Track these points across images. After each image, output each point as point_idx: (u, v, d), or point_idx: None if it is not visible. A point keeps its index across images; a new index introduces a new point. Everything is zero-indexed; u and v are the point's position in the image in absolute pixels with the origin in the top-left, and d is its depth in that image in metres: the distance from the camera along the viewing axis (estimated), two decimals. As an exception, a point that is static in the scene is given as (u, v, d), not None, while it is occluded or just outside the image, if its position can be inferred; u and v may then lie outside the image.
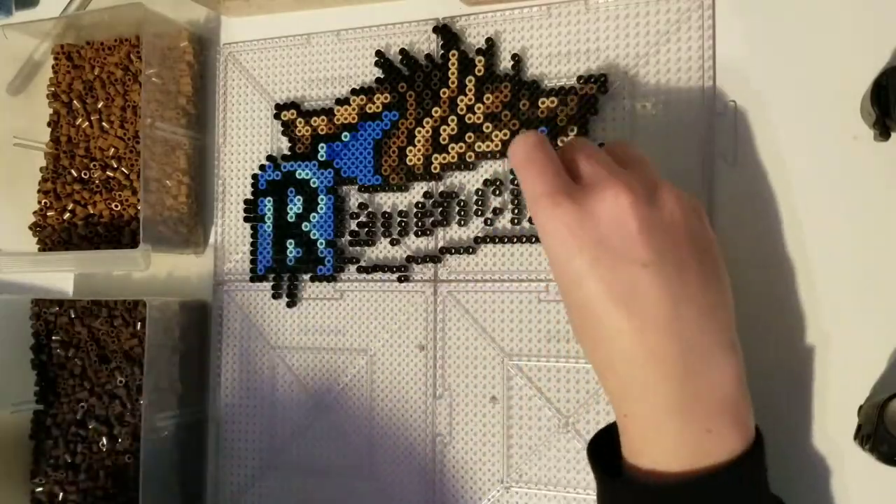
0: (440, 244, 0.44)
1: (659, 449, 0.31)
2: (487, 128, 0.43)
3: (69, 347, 0.52)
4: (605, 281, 0.30)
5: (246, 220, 0.49)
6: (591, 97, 0.41)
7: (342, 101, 0.47)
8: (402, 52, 0.45)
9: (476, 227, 0.44)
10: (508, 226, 0.43)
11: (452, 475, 0.43)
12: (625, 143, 0.35)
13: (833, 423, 0.37)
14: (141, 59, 0.48)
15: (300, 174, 0.47)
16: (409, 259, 0.45)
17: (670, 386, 0.30)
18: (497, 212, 0.43)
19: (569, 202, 0.31)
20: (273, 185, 0.48)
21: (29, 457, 0.53)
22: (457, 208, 0.44)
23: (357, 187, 0.46)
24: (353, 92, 0.46)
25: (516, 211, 0.43)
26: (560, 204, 0.31)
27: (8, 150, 0.53)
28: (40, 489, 0.52)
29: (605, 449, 0.34)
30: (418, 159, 0.45)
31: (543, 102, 0.42)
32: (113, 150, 0.51)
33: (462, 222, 0.44)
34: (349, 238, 0.46)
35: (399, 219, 0.45)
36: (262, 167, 0.49)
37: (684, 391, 0.30)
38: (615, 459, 0.33)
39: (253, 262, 0.48)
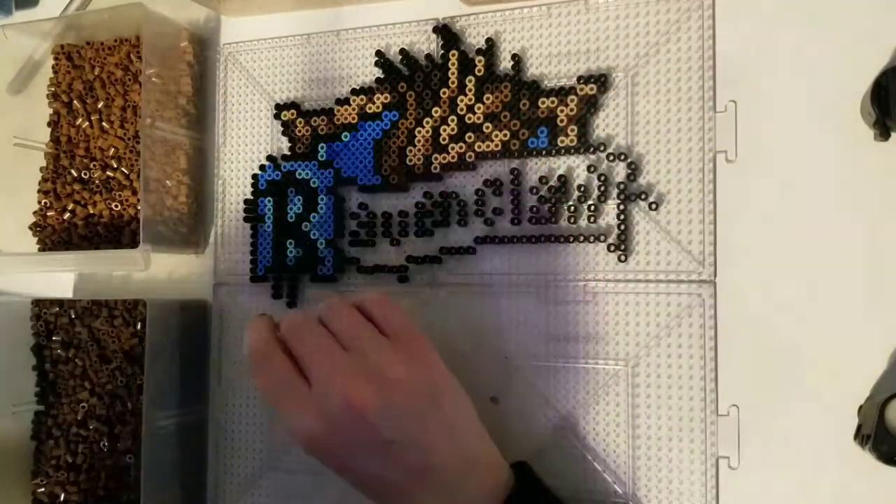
0: (440, 245, 0.44)
1: None
2: (487, 128, 0.43)
3: (69, 348, 0.52)
4: (364, 476, 0.35)
5: (246, 220, 0.49)
6: (591, 97, 0.41)
7: (342, 101, 0.47)
8: (402, 52, 0.45)
9: (476, 227, 0.44)
10: (508, 226, 0.43)
11: (452, 475, 0.43)
12: (335, 306, 0.37)
13: (833, 423, 0.37)
14: (141, 59, 0.48)
15: (300, 174, 0.47)
16: (409, 259, 0.45)
17: None
18: (497, 212, 0.43)
19: (306, 413, 0.34)
20: (273, 185, 0.48)
21: (30, 457, 0.53)
22: (457, 208, 0.44)
23: (357, 187, 0.46)
24: (353, 92, 0.46)
25: (516, 211, 0.43)
26: (298, 418, 0.35)
27: (8, 150, 0.53)
28: (41, 490, 0.52)
29: None
30: (418, 159, 0.45)
31: (543, 102, 0.42)
32: (113, 150, 0.51)
33: (462, 223, 0.44)
34: (349, 238, 0.46)
35: (399, 219, 0.45)
36: (262, 167, 0.49)
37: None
38: None
39: (253, 262, 0.48)
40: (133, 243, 0.49)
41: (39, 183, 0.54)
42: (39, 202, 0.53)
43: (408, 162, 0.45)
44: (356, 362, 0.35)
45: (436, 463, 0.34)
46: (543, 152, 0.42)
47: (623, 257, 0.40)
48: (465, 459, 0.35)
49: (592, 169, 0.41)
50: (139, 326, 0.50)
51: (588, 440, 0.40)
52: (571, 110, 0.42)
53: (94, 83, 0.53)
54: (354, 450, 0.34)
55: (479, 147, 0.43)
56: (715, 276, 0.39)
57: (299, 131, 0.48)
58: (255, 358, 0.36)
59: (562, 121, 0.42)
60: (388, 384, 0.34)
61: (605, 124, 0.41)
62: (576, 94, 0.41)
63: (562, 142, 0.42)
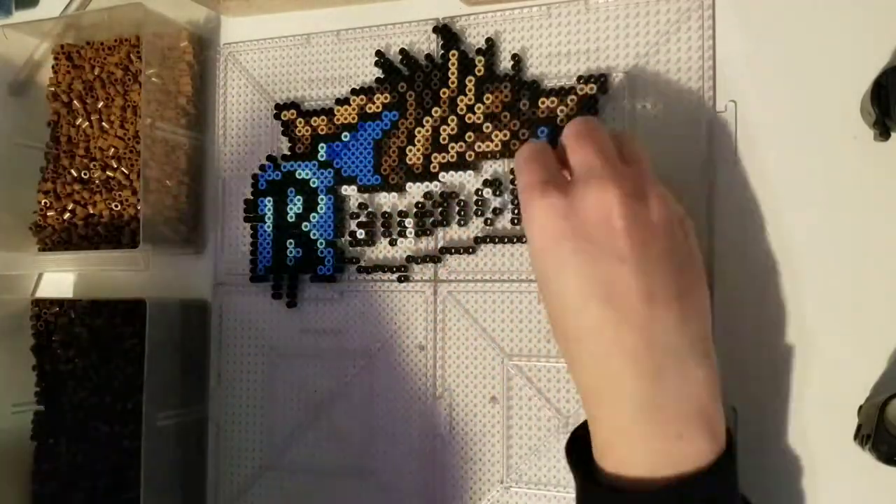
0: (440, 244, 0.44)
1: (626, 451, 0.30)
2: (487, 128, 0.43)
3: (70, 347, 0.52)
4: (583, 272, 0.30)
5: (246, 220, 0.49)
6: (591, 97, 0.41)
7: (342, 101, 0.47)
8: (402, 52, 0.45)
9: (476, 227, 0.44)
10: (508, 226, 0.43)
11: (452, 475, 0.43)
12: (631, 137, 0.35)
13: (833, 423, 0.37)
14: (141, 59, 0.48)
15: (300, 174, 0.47)
16: (409, 259, 0.45)
17: (641, 385, 0.30)
18: (497, 212, 0.43)
19: (556, 192, 0.31)
20: (273, 185, 0.48)
21: (30, 457, 0.53)
22: (457, 208, 0.44)
23: (357, 187, 0.46)
24: (353, 92, 0.46)
25: (516, 211, 0.43)
26: (548, 193, 0.31)
27: (8, 150, 0.53)
28: (42, 490, 0.52)
29: (583, 446, 0.33)
30: (418, 159, 0.45)
31: (543, 102, 0.42)
32: (113, 150, 0.51)
33: (462, 222, 0.44)
34: (349, 238, 0.46)
35: (399, 219, 0.45)
36: (262, 167, 0.49)
37: (655, 392, 0.29)
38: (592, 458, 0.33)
39: (253, 262, 0.48)
40: (133, 243, 0.49)
41: (39, 183, 0.54)
42: (39, 202, 0.53)
43: (408, 162, 0.45)
44: (630, 174, 0.31)
45: (658, 314, 0.29)
46: (543, 152, 0.42)
47: (623, 257, 0.40)
48: (690, 347, 0.30)
49: (592, 169, 0.41)
50: (139, 326, 0.50)
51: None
52: (571, 110, 0.42)
53: (94, 83, 0.53)
54: (583, 246, 0.30)
55: (479, 147, 0.43)
56: (714, 277, 0.39)
57: (299, 131, 0.48)
58: (526, 154, 0.34)
59: (562, 121, 0.42)
60: (648, 211, 0.31)
61: (605, 124, 0.41)
62: (576, 94, 0.41)
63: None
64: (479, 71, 0.44)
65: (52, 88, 0.54)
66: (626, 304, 0.30)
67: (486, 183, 0.43)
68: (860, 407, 0.36)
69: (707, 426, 0.30)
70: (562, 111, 0.42)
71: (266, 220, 0.48)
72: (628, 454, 0.30)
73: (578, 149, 0.32)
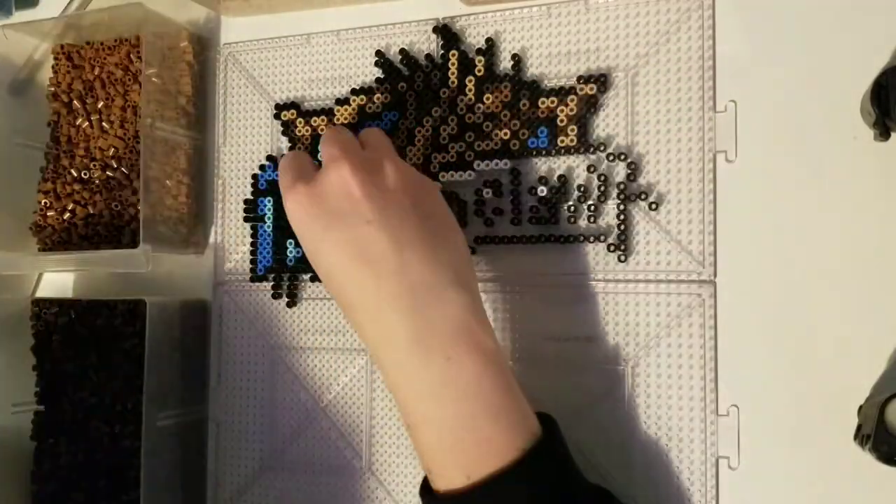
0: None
1: (408, 384, 0.34)
2: (487, 127, 0.43)
3: (70, 347, 0.52)
4: (338, 242, 0.35)
5: (246, 220, 0.49)
6: (591, 97, 0.41)
7: (342, 101, 0.47)
8: (402, 52, 0.45)
9: (476, 227, 0.44)
10: (508, 226, 0.43)
11: (452, 475, 0.43)
12: (371, 130, 0.40)
13: (833, 423, 0.37)
14: (141, 59, 0.48)
15: (300, 174, 0.47)
16: (409, 259, 0.45)
17: (407, 322, 0.33)
18: (497, 212, 0.43)
19: (302, 185, 0.36)
20: (273, 184, 0.48)
21: (30, 458, 0.53)
22: (456, 209, 0.44)
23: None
24: (353, 92, 0.46)
25: (516, 211, 0.43)
26: (296, 189, 0.36)
27: (8, 150, 0.53)
28: (42, 490, 0.52)
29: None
30: (418, 159, 0.45)
31: (543, 102, 0.42)
32: (113, 150, 0.51)
33: (462, 223, 0.44)
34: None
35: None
36: (262, 167, 0.49)
37: (417, 325, 0.33)
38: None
39: (253, 262, 0.48)
40: (133, 243, 0.49)
41: (39, 183, 0.54)
42: (39, 202, 0.53)
43: (408, 161, 0.45)
44: (366, 154, 0.37)
45: (407, 258, 0.34)
46: (543, 152, 0.42)
47: (623, 257, 0.40)
48: (442, 279, 0.34)
49: (592, 169, 0.41)
50: (139, 326, 0.50)
51: (587, 440, 0.40)
52: (571, 110, 0.42)
53: (94, 83, 0.53)
54: (333, 221, 0.35)
55: (479, 147, 0.43)
56: (715, 276, 0.39)
57: (299, 131, 0.48)
58: (285, 160, 0.39)
59: (562, 121, 0.42)
60: (384, 178, 0.36)
61: (605, 124, 0.41)
62: (576, 94, 0.41)
63: (562, 142, 0.42)
64: (479, 71, 0.44)
65: (52, 88, 0.54)
66: (380, 258, 0.34)
67: (486, 183, 0.43)
68: (860, 407, 0.36)
69: (472, 346, 0.33)
70: (562, 111, 0.42)
71: (266, 220, 0.48)
72: (409, 387, 0.34)
73: (323, 147, 0.37)
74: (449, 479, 0.33)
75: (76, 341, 0.52)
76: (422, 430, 0.34)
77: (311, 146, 0.47)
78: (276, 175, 0.48)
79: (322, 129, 0.47)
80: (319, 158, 0.39)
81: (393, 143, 0.45)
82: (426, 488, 0.35)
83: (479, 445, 0.32)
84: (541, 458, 0.33)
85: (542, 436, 0.34)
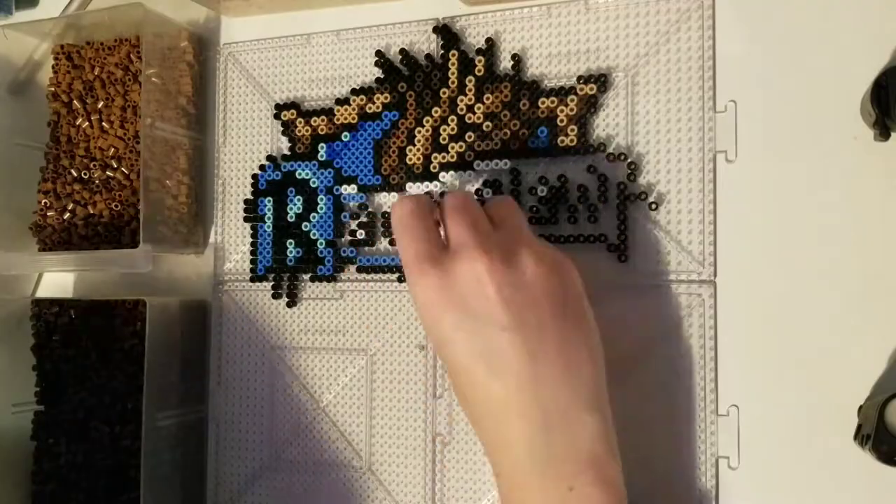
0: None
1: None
2: (487, 127, 0.43)
3: (69, 347, 0.52)
4: (466, 343, 0.32)
5: (246, 220, 0.49)
6: (591, 97, 0.41)
7: (342, 101, 0.47)
8: (402, 52, 0.45)
9: (476, 227, 0.44)
10: (508, 226, 0.43)
11: (452, 475, 0.43)
12: (500, 201, 0.36)
13: (833, 423, 0.37)
14: (141, 59, 0.48)
15: (300, 174, 0.47)
16: (409, 259, 0.45)
17: (531, 443, 0.31)
18: (497, 212, 0.43)
19: (433, 269, 0.33)
20: (273, 185, 0.48)
21: (30, 457, 0.53)
22: (457, 208, 0.44)
23: (357, 187, 0.46)
24: (353, 92, 0.46)
25: (516, 211, 0.43)
26: (425, 272, 0.33)
27: (8, 150, 0.53)
28: (42, 490, 0.52)
29: None
30: (418, 159, 0.45)
31: (543, 102, 0.42)
32: (113, 150, 0.51)
33: (462, 222, 0.44)
34: (349, 238, 0.46)
35: (399, 219, 0.45)
36: (262, 167, 0.49)
37: (543, 447, 0.31)
38: None
39: (253, 262, 0.48)
40: (133, 243, 0.49)
41: (39, 183, 0.54)
42: (39, 202, 0.53)
43: (408, 162, 0.45)
44: (499, 240, 0.33)
45: (542, 373, 0.31)
46: (543, 152, 0.42)
47: (623, 257, 0.40)
48: (577, 400, 0.31)
49: (592, 169, 0.41)
50: (139, 326, 0.50)
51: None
52: (571, 110, 0.42)
53: (94, 83, 0.53)
54: (464, 320, 0.32)
55: (479, 147, 0.43)
56: (715, 276, 0.39)
57: (299, 131, 0.48)
58: (406, 217, 0.34)
59: (562, 121, 0.42)
60: (521, 270, 0.32)
61: (605, 124, 0.41)
62: (576, 94, 0.41)
63: (562, 142, 0.42)
64: (479, 71, 0.44)
65: (52, 88, 0.54)
66: (511, 369, 0.31)
67: (486, 183, 0.43)
68: (860, 407, 0.36)
69: (598, 478, 0.31)
70: (562, 111, 0.42)
71: (266, 220, 0.48)
72: None
73: (452, 224, 0.34)
74: None
75: (76, 341, 0.52)
76: None
77: (311, 146, 0.47)
78: (270, 176, 0.48)
79: (322, 129, 0.47)
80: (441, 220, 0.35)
81: (393, 143, 0.45)
82: None
83: None
84: None
85: None
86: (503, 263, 0.32)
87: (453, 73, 0.44)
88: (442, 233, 0.35)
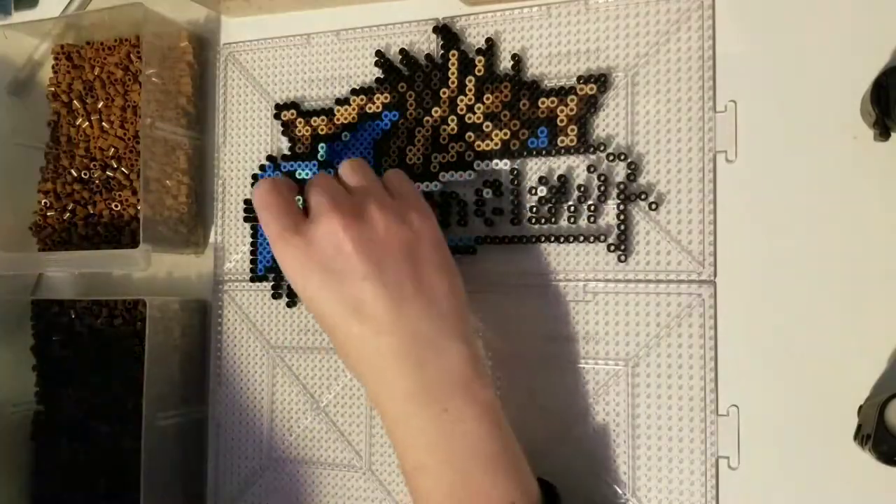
0: (440, 244, 0.44)
1: (405, 434, 0.35)
2: (487, 127, 0.43)
3: (69, 347, 0.52)
4: (334, 299, 0.35)
5: (246, 220, 0.49)
6: (591, 97, 0.41)
7: (342, 101, 0.47)
8: (402, 52, 0.45)
9: (476, 227, 0.44)
10: (508, 226, 0.43)
11: (452, 475, 0.43)
12: (355, 165, 0.39)
13: (833, 423, 0.37)
14: (141, 59, 0.48)
15: (300, 174, 0.47)
16: (409, 259, 0.45)
17: (405, 377, 0.34)
18: (497, 212, 0.43)
19: (294, 237, 0.36)
20: (273, 185, 0.48)
21: (30, 457, 0.53)
22: (457, 208, 0.44)
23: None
24: (353, 92, 0.46)
25: (516, 211, 0.43)
26: (288, 241, 0.36)
27: (8, 150, 0.53)
28: (42, 489, 0.52)
29: None
30: (418, 159, 0.45)
31: (543, 102, 0.42)
32: (113, 150, 0.51)
33: (462, 222, 0.44)
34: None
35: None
36: (262, 167, 0.49)
37: (416, 379, 0.34)
38: None
39: (253, 262, 0.48)
40: (133, 243, 0.49)
41: (39, 183, 0.54)
42: (39, 202, 0.53)
43: (407, 161, 0.45)
44: (354, 201, 0.36)
45: (405, 313, 0.34)
46: (543, 152, 0.42)
47: (623, 257, 0.40)
48: (440, 332, 0.35)
49: (592, 169, 0.41)
50: (139, 326, 0.50)
51: (587, 440, 0.40)
52: (571, 110, 0.42)
53: (94, 83, 0.53)
54: (328, 277, 0.35)
55: (479, 147, 0.43)
56: (715, 276, 0.39)
57: (299, 131, 0.48)
58: (265, 196, 0.37)
59: (562, 121, 0.42)
60: (372, 223, 0.35)
61: (605, 124, 0.41)
62: (576, 94, 0.41)
63: (562, 142, 0.42)
64: (479, 71, 0.44)
65: (52, 88, 0.54)
66: (377, 313, 0.34)
67: (486, 183, 0.43)
68: (860, 407, 0.36)
69: (469, 395, 0.34)
70: (562, 111, 0.42)
71: (266, 220, 0.48)
72: (409, 438, 0.34)
73: (310, 196, 0.37)
74: None
75: (76, 341, 0.52)
76: (417, 478, 0.35)
77: (311, 146, 0.47)
78: (270, 176, 0.48)
79: (322, 129, 0.47)
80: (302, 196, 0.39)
81: (393, 143, 0.45)
82: None
83: (471, 497, 0.33)
84: None
85: (543, 501, 0.34)
86: (356, 220, 0.35)
87: (453, 73, 0.44)
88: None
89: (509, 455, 0.34)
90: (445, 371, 0.34)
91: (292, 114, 0.48)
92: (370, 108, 0.46)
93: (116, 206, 0.51)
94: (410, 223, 0.37)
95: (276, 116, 0.48)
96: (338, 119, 0.47)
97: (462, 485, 0.33)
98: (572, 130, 0.41)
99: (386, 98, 0.45)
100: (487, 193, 0.43)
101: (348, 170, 0.39)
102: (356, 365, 0.36)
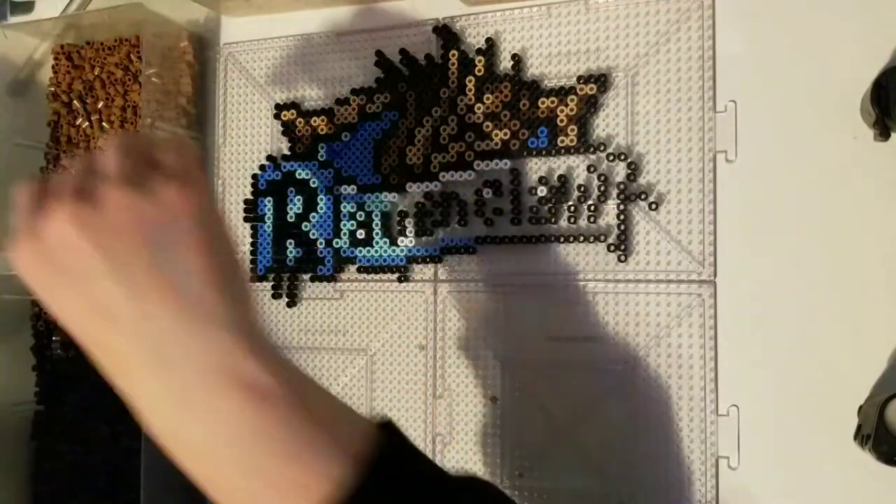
0: (440, 245, 0.44)
1: (184, 447, 0.30)
2: (487, 127, 0.43)
3: (70, 348, 0.52)
4: (75, 303, 0.30)
5: (246, 220, 0.49)
6: (591, 97, 0.41)
7: (342, 101, 0.47)
8: (402, 52, 0.45)
9: (476, 227, 0.44)
10: (508, 226, 0.43)
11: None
12: (117, 142, 0.32)
13: (833, 423, 0.37)
14: (141, 59, 0.48)
15: (300, 174, 0.47)
16: (410, 259, 0.45)
17: (161, 383, 0.29)
18: (497, 212, 0.43)
19: (26, 239, 0.30)
20: (273, 185, 0.48)
21: (31, 457, 0.53)
22: (457, 208, 0.44)
23: (357, 187, 0.46)
24: (353, 92, 0.46)
25: (516, 211, 0.43)
26: (19, 244, 0.30)
27: (8, 150, 0.53)
28: (42, 490, 0.52)
29: None
30: (418, 159, 0.45)
31: (543, 102, 0.42)
32: (113, 150, 0.51)
33: (462, 222, 0.44)
34: (349, 238, 0.46)
35: (399, 219, 0.45)
36: (262, 167, 0.49)
37: (174, 384, 0.29)
38: None
39: (253, 262, 0.48)
40: (133, 243, 0.49)
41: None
42: (39, 202, 0.53)
43: (407, 161, 0.45)
44: (87, 184, 0.30)
45: (149, 310, 0.29)
46: (543, 152, 0.42)
47: (623, 257, 0.40)
48: (192, 319, 0.29)
49: (592, 169, 0.41)
50: (139, 326, 0.50)
51: (588, 440, 0.40)
52: (571, 110, 0.42)
53: (94, 83, 0.53)
54: (63, 279, 0.30)
55: (479, 147, 0.43)
56: (715, 276, 0.39)
57: (299, 131, 0.48)
58: (18, 192, 0.31)
59: (562, 121, 0.42)
60: (102, 208, 0.30)
61: (605, 124, 0.41)
62: (576, 94, 0.41)
63: (562, 142, 0.42)
64: (479, 71, 0.43)
65: (52, 88, 0.54)
66: (121, 315, 0.29)
67: (486, 183, 0.43)
68: (860, 407, 0.36)
69: (241, 386, 0.29)
70: (562, 111, 0.42)
71: (266, 220, 0.48)
72: (190, 459, 0.30)
73: (47, 192, 0.31)
74: None
75: (76, 341, 0.52)
76: (212, 491, 0.31)
77: (311, 146, 0.47)
78: (270, 176, 0.48)
79: (322, 129, 0.47)
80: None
81: (393, 143, 0.45)
82: None
83: (277, 494, 0.29)
84: (376, 479, 0.29)
85: (375, 451, 0.29)
86: (84, 206, 0.29)
87: (453, 74, 0.44)
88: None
89: (314, 431, 0.29)
90: (203, 367, 0.29)
91: (292, 114, 0.48)
92: (370, 108, 0.46)
93: (116, 206, 0.51)
94: (157, 200, 0.31)
95: (276, 116, 0.48)
96: (338, 119, 0.47)
97: (263, 487, 0.29)
98: (572, 130, 0.41)
99: (386, 98, 0.45)
100: (487, 193, 0.43)
101: (103, 149, 0.33)
102: (118, 379, 0.31)
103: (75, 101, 0.53)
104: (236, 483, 0.30)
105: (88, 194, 0.30)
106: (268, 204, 0.48)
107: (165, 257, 0.30)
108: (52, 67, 0.54)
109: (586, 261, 0.41)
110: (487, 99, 0.43)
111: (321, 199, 0.47)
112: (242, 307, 0.31)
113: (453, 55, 0.44)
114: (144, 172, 0.31)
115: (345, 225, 0.46)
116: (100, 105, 0.52)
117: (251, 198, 0.49)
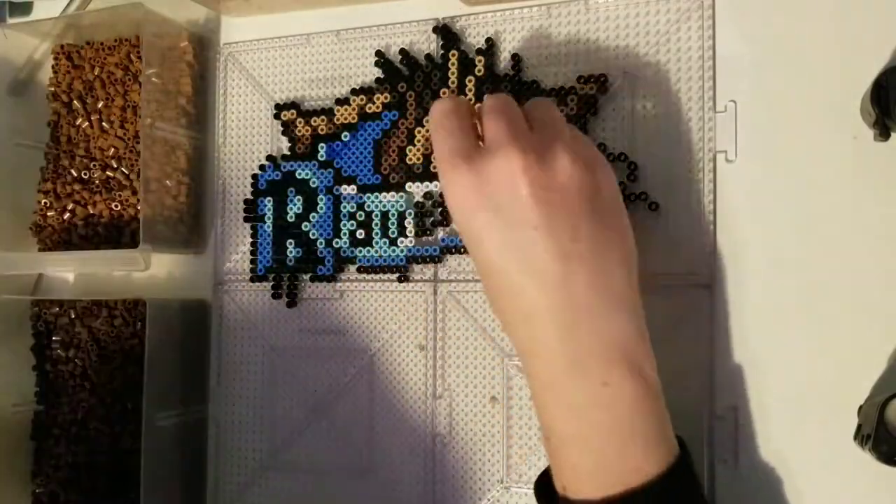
0: (440, 244, 0.44)
1: (557, 402, 0.32)
2: (487, 128, 0.43)
3: (69, 347, 0.52)
4: (498, 242, 0.31)
5: (246, 220, 0.49)
6: (590, 97, 0.41)
7: (342, 101, 0.47)
8: (402, 52, 0.45)
9: (476, 227, 0.44)
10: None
11: (452, 475, 0.43)
12: (540, 102, 0.35)
13: (833, 423, 0.37)
14: (141, 59, 0.48)
15: (300, 174, 0.47)
16: (410, 259, 0.45)
17: (563, 340, 0.31)
18: (497, 212, 0.43)
19: (465, 166, 0.32)
20: (273, 185, 0.48)
21: (30, 457, 0.53)
22: (457, 208, 0.44)
23: (357, 187, 0.46)
24: (353, 92, 0.46)
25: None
26: (457, 168, 0.32)
27: (8, 150, 0.53)
28: (42, 490, 0.52)
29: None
30: (418, 159, 0.45)
31: (543, 102, 0.42)
32: (113, 150, 0.51)
33: (462, 222, 0.44)
34: (349, 238, 0.46)
35: (399, 219, 0.45)
36: (262, 167, 0.49)
37: (575, 345, 0.31)
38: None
39: (253, 262, 0.48)
40: (133, 243, 0.49)
41: (39, 183, 0.54)
42: (39, 202, 0.53)
43: (407, 161, 0.45)
44: (535, 140, 0.32)
45: (573, 271, 0.30)
46: (543, 152, 0.42)
47: (623, 257, 0.40)
48: (607, 298, 0.31)
49: (592, 169, 0.41)
50: (139, 326, 0.50)
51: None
52: (571, 110, 0.42)
53: (94, 83, 0.53)
54: (496, 218, 0.31)
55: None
56: (714, 277, 0.39)
57: (299, 131, 0.48)
58: (442, 115, 0.34)
59: (562, 121, 0.42)
60: (554, 170, 0.31)
61: (605, 124, 0.41)
62: (576, 94, 0.41)
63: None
64: (479, 71, 0.44)
65: (52, 88, 0.54)
66: (541, 268, 0.31)
67: (486, 183, 0.43)
68: (860, 407, 0.36)
69: (631, 372, 0.31)
70: (562, 111, 0.42)
71: (266, 220, 0.48)
72: (561, 408, 0.32)
73: (488, 123, 0.33)
74: (583, 496, 0.31)
75: (76, 341, 0.52)
76: (565, 449, 0.32)
77: (311, 146, 0.47)
78: (270, 176, 0.48)
79: (322, 129, 0.47)
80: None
81: (393, 143, 0.45)
82: (545, 491, 0.34)
83: (622, 473, 0.30)
84: (676, 480, 0.31)
85: (679, 458, 0.32)
86: (537, 163, 0.31)
87: (453, 73, 0.44)
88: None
89: (663, 428, 0.32)
90: (608, 342, 0.31)
91: (292, 114, 0.48)
92: (370, 108, 0.46)
93: (116, 206, 0.51)
94: (594, 173, 0.32)
95: (276, 116, 0.48)
96: (338, 119, 0.47)
97: (616, 461, 0.30)
98: (572, 130, 0.41)
99: (386, 98, 0.45)
100: (487, 193, 0.43)
101: (534, 103, 0.35)
102: (509, 319, 0.33)
103: (75, 101, 0.53)
104: (592, 450, 0.31)
105: (540, 150, 0.32)
106: (268, 204, 0.48)
107: (596, 231, 0.32)
108: (52, 67, 0.54)
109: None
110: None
111: (321, 199, 0.47)
112: (639, 296, 0.33)
113: (453, 55, 0.44)
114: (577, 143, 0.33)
115: (345, 225, 0.46)
116: (100, 105, 0.52)
117: (251, 198, 0.49)
